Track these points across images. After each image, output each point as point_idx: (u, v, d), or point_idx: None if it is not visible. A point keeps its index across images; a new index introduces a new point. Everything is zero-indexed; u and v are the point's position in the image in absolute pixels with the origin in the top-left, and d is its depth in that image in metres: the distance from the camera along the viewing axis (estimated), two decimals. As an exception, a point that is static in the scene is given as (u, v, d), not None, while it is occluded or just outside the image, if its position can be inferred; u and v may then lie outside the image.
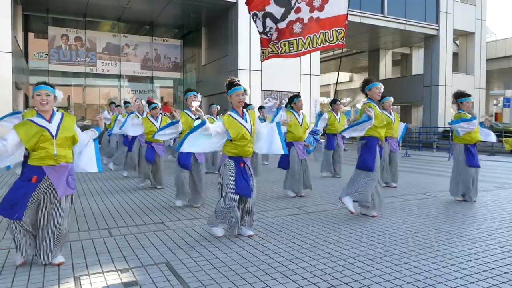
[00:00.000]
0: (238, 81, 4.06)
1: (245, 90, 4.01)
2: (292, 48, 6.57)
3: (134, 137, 8.24)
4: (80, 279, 2.97)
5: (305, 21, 6.45)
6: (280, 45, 6.64)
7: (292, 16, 6.50)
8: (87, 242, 3.83)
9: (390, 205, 5.59)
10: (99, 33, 21.06)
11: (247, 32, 17.22)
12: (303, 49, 6.51)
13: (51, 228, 3.21)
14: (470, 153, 5.77)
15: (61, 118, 3.30)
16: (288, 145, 6.16)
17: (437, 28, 22.97)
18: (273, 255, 3.50)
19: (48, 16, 19.49)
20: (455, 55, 25.13)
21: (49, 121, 3.23)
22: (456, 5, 23.82)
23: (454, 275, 3.04)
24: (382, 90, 4.97)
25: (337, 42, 6.36)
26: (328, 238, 4.01)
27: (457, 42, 26.81)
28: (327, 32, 6.37)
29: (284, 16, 6.56)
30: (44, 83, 3.26)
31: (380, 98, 5.13)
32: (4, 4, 13.26)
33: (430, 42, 23.64)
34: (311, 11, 6.42)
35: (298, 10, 6.48)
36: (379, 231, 4.27)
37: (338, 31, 6.34)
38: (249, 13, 6.78)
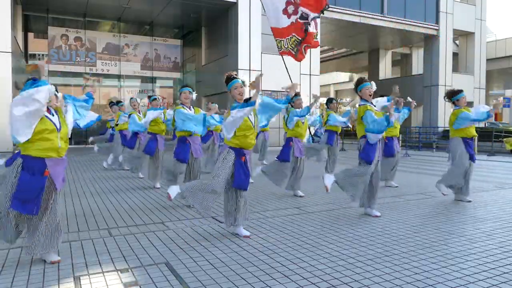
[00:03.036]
0: (236, 74, 4.09)
1: (243, 82, 4.04)
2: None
3: (135, 135, 8.25)
4: (80, 279, 2.97)
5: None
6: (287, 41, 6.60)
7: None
8: (87, 242, 3.83)
9: (390, 205, 5.59)
10: (99, 33, 21.05)
11: (247, 32, 17.22)
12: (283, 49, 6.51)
13: (49, 220, 3.20)
14: (469, 146, 5.82)
15: (56, 113, 3.30)
16: (288, 140, 6.27)
17: (437, 28, 22.96)
18: (273, 255, 3.50)
19: (48, 16, 19.49)
20: (455, 55, 25.13)
21: (50, 113, 3.22)
22: (456, 5, 23.82)
23: (454, 275, 3.04)
24: (374, 89, 4.94)
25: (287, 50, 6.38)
26: (328, 238, 4.01)
27: (457, 42, 26.80)
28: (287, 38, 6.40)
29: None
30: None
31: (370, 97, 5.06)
32: (4, 4, 13.26)
33: (430, 42, 23.64)
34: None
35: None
36: (379, 231, 4.27)
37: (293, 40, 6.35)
38: None
